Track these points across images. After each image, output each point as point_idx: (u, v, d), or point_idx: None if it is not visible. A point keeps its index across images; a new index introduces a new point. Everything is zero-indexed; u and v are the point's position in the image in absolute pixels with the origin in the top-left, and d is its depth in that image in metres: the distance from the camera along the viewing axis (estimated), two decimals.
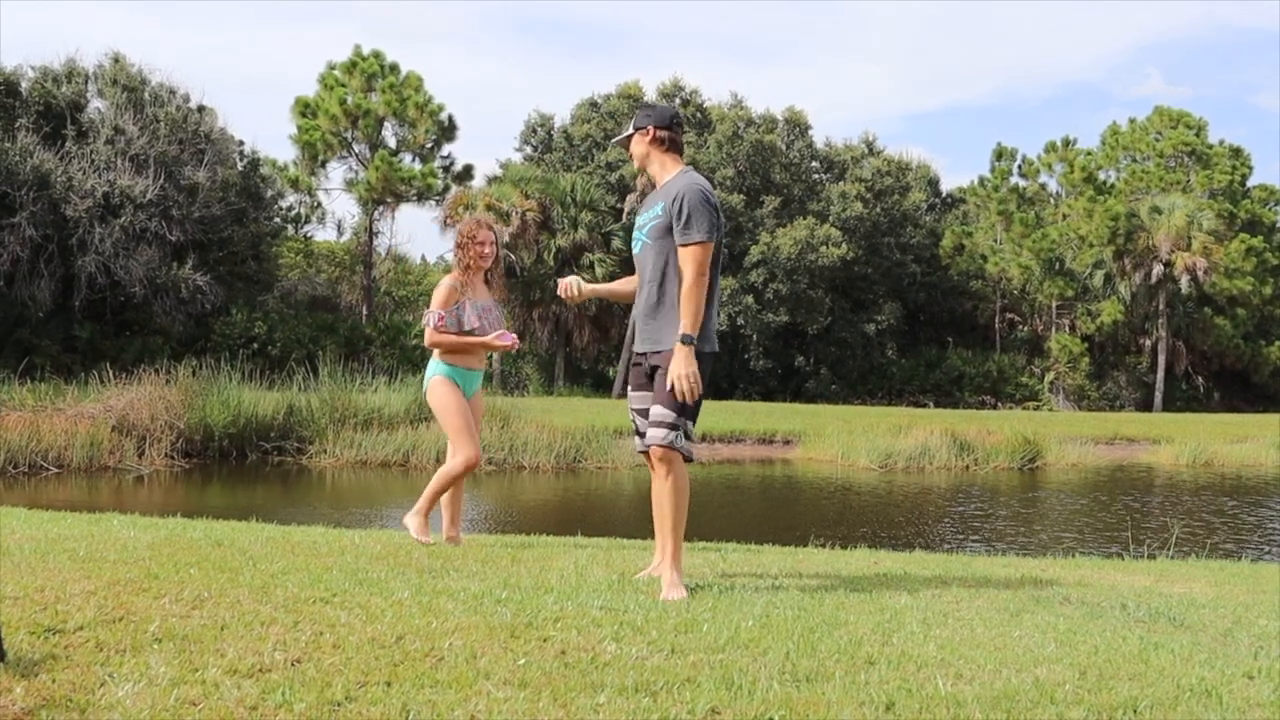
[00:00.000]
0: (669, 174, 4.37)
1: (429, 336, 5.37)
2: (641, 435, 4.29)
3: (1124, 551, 9.45)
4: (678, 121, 4.46)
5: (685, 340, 4.05)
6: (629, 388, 4.43)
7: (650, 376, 4.26)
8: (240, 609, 3.28)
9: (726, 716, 2.42)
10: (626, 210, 40.29)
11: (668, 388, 4.08)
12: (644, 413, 4.29)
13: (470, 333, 5.37)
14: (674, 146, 4.41)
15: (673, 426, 4.11)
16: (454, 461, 5.38)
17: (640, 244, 4.34)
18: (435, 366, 5.43)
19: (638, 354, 4.33)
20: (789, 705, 2.50)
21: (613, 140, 4.67)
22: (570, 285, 4.56)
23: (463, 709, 2.38)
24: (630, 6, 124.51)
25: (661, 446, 4.10)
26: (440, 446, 18.88)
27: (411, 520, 5.34)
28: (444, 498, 5.52)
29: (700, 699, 2.52)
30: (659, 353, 4.19)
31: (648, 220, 4.33)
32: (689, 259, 4.12)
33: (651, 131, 4.38)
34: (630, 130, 4.45)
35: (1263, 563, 8.08)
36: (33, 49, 57.86)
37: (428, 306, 5.42)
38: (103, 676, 2.49)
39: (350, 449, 18.95)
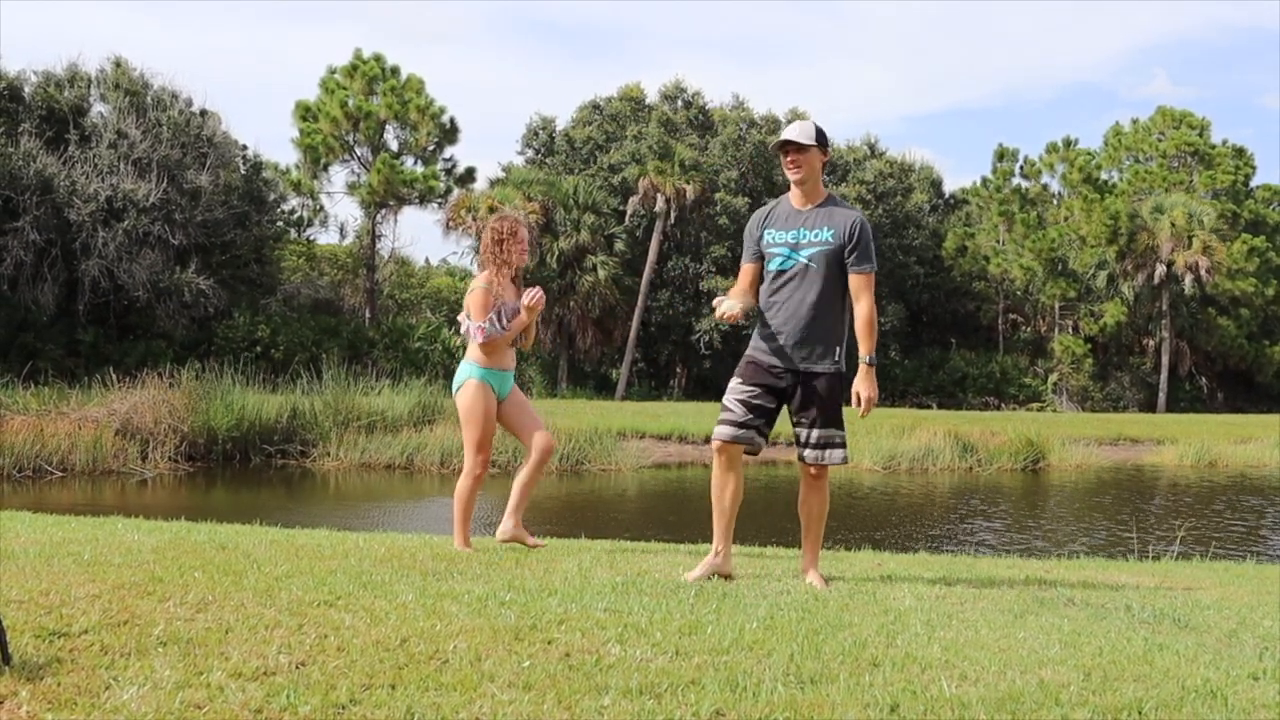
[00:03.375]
0: (820, 197, 4.52)
1: (485, 347, 5.26)
2: (739, 426, 4.46)
3: (1128, 553, 9.43)
4: None
5: (872, 363, 4.40)
6: (740, 379, 4.54)
7: (777, 391, 4.46)
8: (245, 612, 3.28)
9: (731, 719, 2.42)
10: (629, 212, 40.29)
11: (855, 405, 4.43)
12: (751, 406, 4.46)
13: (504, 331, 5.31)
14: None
15: (845, 445, 4.48)
16: (465, 476, 5.40)
17: (794, 263, 4.45)
18: (469, 369, 5.31)
19: (784, 367, 4.46)
20: (793, 707, 2.50)
21: (786, 138, 4.44)
22: (736, 315, 4.45)
23: (467, 711, 2.38)
24: (631, 8, 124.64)
25: (836, 465, 4.48)
26: (445, 449, 18.89)
27: (456, 542, 5.39)
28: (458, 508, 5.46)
29: (705, 701, 2.51)
30: (818, 373, 4.43)
31: (810, 242, 4.43)
32: (865, 287, 4.41)
33: (828, 153, 4.56)
34: (812, 142, 4.45)
35: (1268, 564, 8.07)
36: (34, 52, 58.02)
37: (468, 316, 5.30)
38: (108, 680, 2.49)
39: (354, 452, 18.98)
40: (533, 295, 5.30)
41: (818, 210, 4.45)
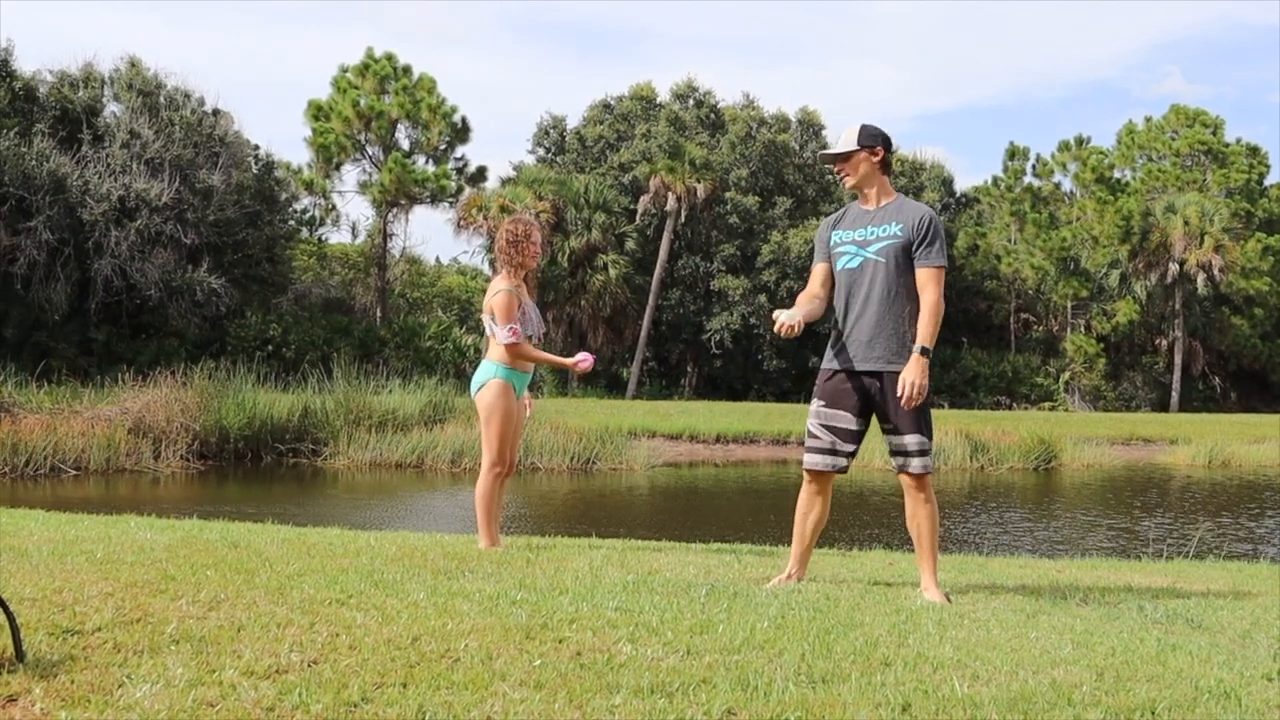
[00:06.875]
0: (889, 196, 4.43)
1: (512, 351, 5.34)
2: (824, 453, 4.37)
3: (1141, 552, 9.39)
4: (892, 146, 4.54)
5: (924, 353, 4.21)
6: (820, 402, 4.40)
7: (873, 397, 4.33)
8: (257, 610, 3.28)
9: (742, 718, 2.41)
10: (640, 211, 40.28)
11: (900, 393, 4.21)
12: (838, 432, 4.36)
13: (529, 338, 5.40)
14: (890, 169, 4.49)
15: (926, 452, 4.31)
16: (485, 477, 5.42)
17: (861, 260, 4.35)
18: (494, 369, 5.38)
19: (863, 372, 4.33)
20: (805, 707, 2.49)
21: (825, 153, 4.54)
22: (794, 326, 4.22)
23: (478, 710, 2.38)
24: (642, 8, 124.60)
25: (926, 474, 4.32)
26: (455, 448, 18.91)
27: (482, 543, 5.41)
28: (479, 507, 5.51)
29: (716, 700, 2.51)
30: (894, 373, 4.27)
31: (879, 237, 4.34)
32: (933, 280, 4.29)
33: (881, 152, 4.41)
34: (856, 146, 4.39)
35: None
36: (49, 54, 58.25)
37: (493, 318, 5.34)
38: (120, 678, 2.50)
39: (365, 450, 19.02)
40: (582, 362, 5.46)
41: (887, 208, 4.38)
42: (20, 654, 2.57)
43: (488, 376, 5.39)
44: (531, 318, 5.44)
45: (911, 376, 4.17)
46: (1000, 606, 4.12)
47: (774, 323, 4.26)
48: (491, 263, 38.21)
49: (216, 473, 17.77)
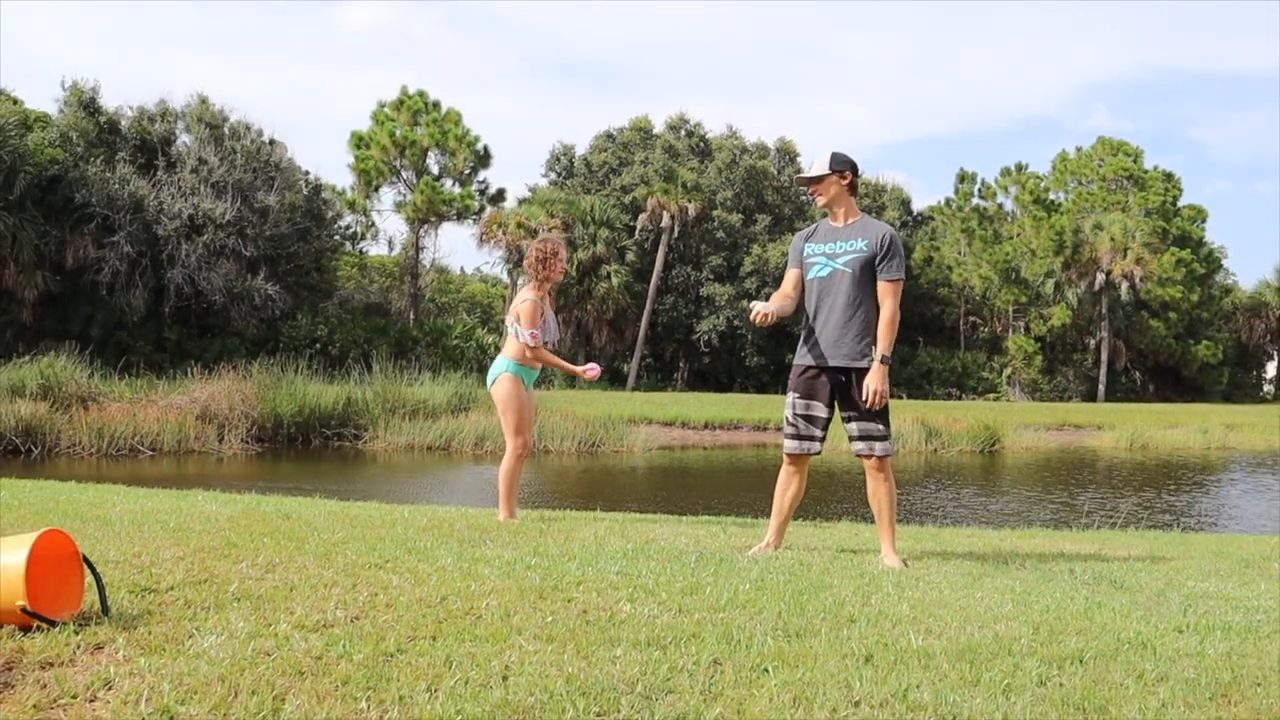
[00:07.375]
0: (856, 215, 4.39)
1: (531, 352, 5.33)
2: (801, 438, 4.35)
3: (1073, 524, 9.40)
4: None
5: (885, 361, 4.22)
6: (795, 394, 4.37)
7: (840, 389, 4.29)
8: (306, 573, 3.28)
9: (727, 667, 2.41)
10: (639, 227, 40.23)
11: (864, 398, 4.20)
12: (813, 420, 4.33)
13: (547, 344, 5.38)
14: (856, 191, 4.44)
15: (887, 437, 4.28)
16: (509, 457, 5.40)
17: (830, 269, 4.31)
18: (506, 364, 5.38)
19: (832, 367, 4.28)
20: (781, 657, 2.49)
21: (800, 177, 4.49)
22: (768, 315, 4.19)
23: (498, 660, 2.38)
24: (641, 50, 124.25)
25: (886, 457, 4.29)
26: (478, 432, 18.90)
27: (502, 515, 5.37)
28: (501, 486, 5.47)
29: (704, 652, 2.51)
30: (857, 369, 4.26)
31: (846, 251, 4.30)
32: (892, 292, 4.26)
33: (849, 176, 4.35)
34: (828, 171, 4.33)
35: (1191, 533, 8.03)
36: (130, 91, 58.06)
37: (517, 322, 5.32)
38: (191, 629, 2.50)
39: (399, 435, 19.02)
40: (590, 371, 5.46)
41: (853, 225, 4.34)
42: (106, 609, 2.58)
43: (500, 370, 5.39)
44: (551, 325, 5.44)
45: (874, 384, 4.20)
46: (951, 570, 4.12)
47: (750, 311, 4.25)
48: (509, 272, 38.32)
49: (272, 454, 17.76)
